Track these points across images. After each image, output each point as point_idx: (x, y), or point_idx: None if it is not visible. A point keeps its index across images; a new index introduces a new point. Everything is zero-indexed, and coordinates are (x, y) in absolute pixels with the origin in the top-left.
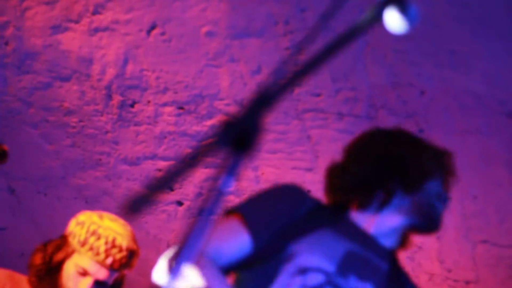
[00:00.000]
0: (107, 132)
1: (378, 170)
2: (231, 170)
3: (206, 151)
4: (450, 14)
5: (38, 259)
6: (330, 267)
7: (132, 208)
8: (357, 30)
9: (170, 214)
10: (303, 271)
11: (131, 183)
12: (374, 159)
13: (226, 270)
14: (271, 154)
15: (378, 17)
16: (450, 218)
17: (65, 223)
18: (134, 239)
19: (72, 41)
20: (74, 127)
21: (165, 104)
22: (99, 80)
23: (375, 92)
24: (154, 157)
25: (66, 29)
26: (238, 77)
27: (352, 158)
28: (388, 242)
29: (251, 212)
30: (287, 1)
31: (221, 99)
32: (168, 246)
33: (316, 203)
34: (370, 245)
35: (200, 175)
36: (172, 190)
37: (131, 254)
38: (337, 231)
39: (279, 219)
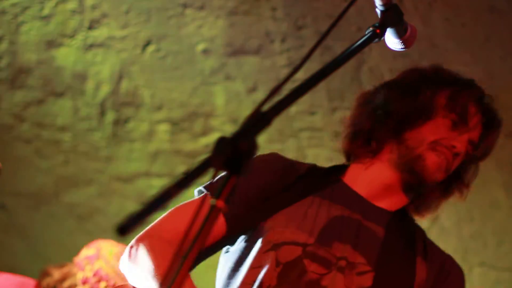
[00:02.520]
0: (100, 149)
1: (368, 117)
2: (224, 189)
3: (199, 172)
4: (448, 33)
5: (44, 283)
6: (308, 238)
7: (125, 227)
8: (354, 51)
9: None
10: (276, 246)
11: (124, 201)
12: (365, 103)
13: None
14: None
15: (376, 37)
16: (447, 240)
17: (56, 240)
18: None
19: (66, 56)
20: (67, 144)
21: (159, 121)
22: (94, 96)
23: None
24: (147, 174)
25: (61, 44)
26: (234, 95)
27: (354, 106)
28: (384, 204)
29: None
30: (284, 19)
31: (216, 117)
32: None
33: (303, 170)
34: (362, 209)
35: (192, 192)
36: (165, 208)
37: None
38: (325, 197)
39: (254, 194)
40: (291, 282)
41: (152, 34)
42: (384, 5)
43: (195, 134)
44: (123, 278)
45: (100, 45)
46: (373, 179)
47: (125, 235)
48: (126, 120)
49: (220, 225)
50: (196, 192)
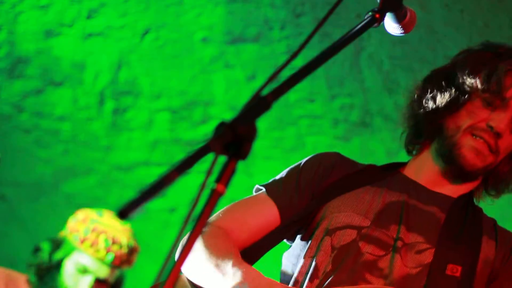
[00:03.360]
0: (100, 138)
1: (411, 114)
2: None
3: (199, 156)
4: (447, 20)
5: (38, 258)
6: (364, 221)
7: (123, 215)
8: (353, 36)
9: (162, 221)
10: (331, 232)
11: (124, 190)
12: (410, 101)
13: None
14: (266, 161)
15: (374, 22)
16: None
17: (57, 230)
18: (133, 236)
19: (65, 46)
20: (66, 133)
21: (158, 110)
22: (92, 85)
23: (371, 98)
24: (147, 163)
25: (60, 34)
26: (233, 83)
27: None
28: (446, 190)
29: (275, 185)
30: (283, 6)
31: (216, 105)
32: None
33: (362, 166)
34: (421, 195)
35: (193, 181)
36: (164, 196)
37: (131, 250)
38: (382, 186)
39: (307, 184)
40: (347, 266)
41: (151, 22)
42: None
43: (195, 123)
44: (121, 230)
45: (99, 34)
46: (428, 169)
47: (125, 219)
48: (125, 109)
49: (273, 216)
50: (254, 190)
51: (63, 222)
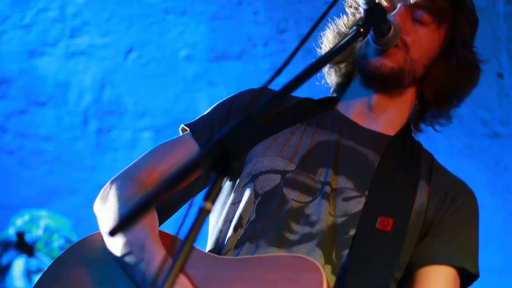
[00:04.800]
0: (84, 158)
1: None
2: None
3: (188, 172)
4: None
5: None
6: (288, 165)
7: (113, 234)
8: (339, 48)
9: None
10: (254, 177)
11: None
12: None
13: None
14: None
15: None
16: None
17: None
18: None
19: (48, 65)
20: (51, 153)
21: (143, 129)
22: (76, 105)
23: None
24: None
25: (43, 53)
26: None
27: None
28: (381, 127)
29: (200, 123)
30: (266, 22)
31: None
32: None
33: (294, 101)
34: (354, 134)
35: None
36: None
37: None
38: (312, 124)
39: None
40: (271, 214)
41: (134, 41)
42: (367, 3)
43: None
44: (69, 228)
45: (82, 53)
46: (357, 99)
47: (114, 237)
48: (110, 129)
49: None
50: (180, 129)
51: None
